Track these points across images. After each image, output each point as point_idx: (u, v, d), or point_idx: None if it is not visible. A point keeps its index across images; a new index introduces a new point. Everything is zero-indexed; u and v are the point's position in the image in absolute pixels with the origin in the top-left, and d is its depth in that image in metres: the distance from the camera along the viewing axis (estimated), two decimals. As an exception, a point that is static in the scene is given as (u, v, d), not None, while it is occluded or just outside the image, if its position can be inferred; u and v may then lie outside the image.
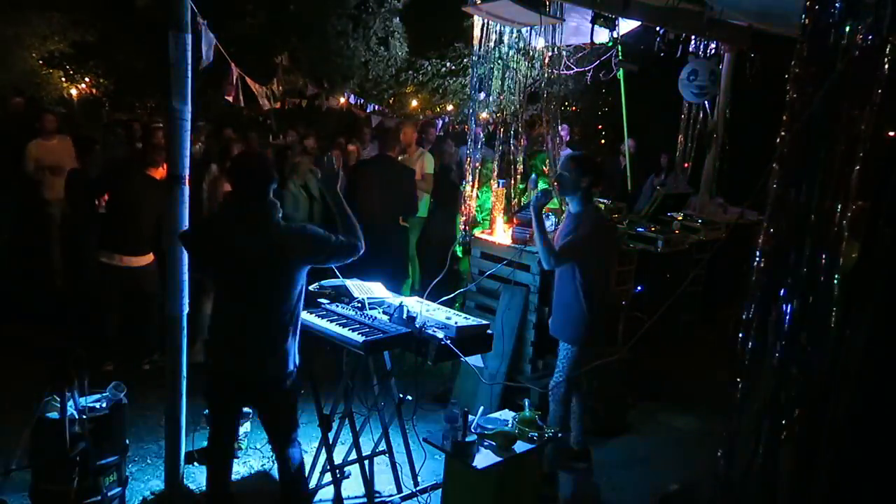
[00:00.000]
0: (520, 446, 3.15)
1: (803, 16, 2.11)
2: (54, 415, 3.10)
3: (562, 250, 3.79)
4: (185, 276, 3.27)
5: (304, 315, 3.24)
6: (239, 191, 3.00)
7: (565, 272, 3.89)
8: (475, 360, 3.55)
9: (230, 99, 4.28)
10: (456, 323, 3.38)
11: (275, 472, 3.90)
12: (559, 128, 6.05)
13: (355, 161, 6.89)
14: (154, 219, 4.98)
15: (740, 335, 2.32)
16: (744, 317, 2.30)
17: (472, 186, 5.68)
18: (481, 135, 5.67)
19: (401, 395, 3.70)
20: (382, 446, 3.73)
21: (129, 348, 5.14)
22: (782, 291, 2.22)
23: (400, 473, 3.71)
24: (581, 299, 3.84)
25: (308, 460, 3.65)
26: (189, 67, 3.12)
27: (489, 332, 3.57)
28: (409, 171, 6.16)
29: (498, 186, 5.35)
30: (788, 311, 2.23)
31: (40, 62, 12.93)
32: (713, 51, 6.65)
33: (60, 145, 6.66)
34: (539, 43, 5.33)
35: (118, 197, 5.08)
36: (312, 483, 3.62)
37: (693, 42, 6.45)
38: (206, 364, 3.20)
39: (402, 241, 6.33)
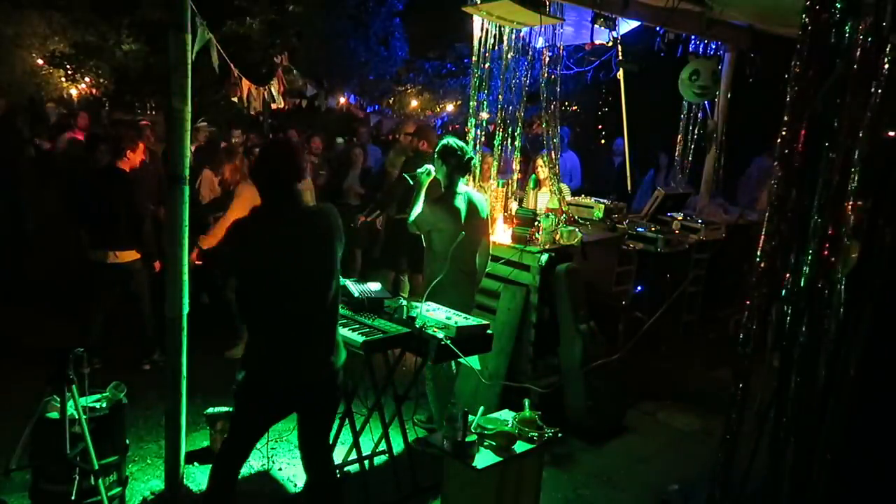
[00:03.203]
0: (520, 446, 3.14)
1: (803, 15, 2.11)
2: (54, 415, 3.10)
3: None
4: (185, 277, 3.25)
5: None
6: (273, 184, 2.78)
7: None
8: (472, 361, 3.56)
9: (236, 99, 4.29)
10: (456, 323, 3.39)
11: (275, 473, 3.90)
12: (559, 130, 6.02)
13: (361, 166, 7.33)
14: (132, 212, 4.90)
15: (740, 336, 2.32)
16: (744, 317, 2.30)
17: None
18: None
19: (401, 396, 3.70)
20: (382, 446, 3.74)
21: (116, 349, 5.04)
22: (783, 292, 2.23)
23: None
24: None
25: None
26: (189, 67, 3.12)
27: (489, 332, 3.57)
28: None
29: (497, 186, 5.34)
30: (789, 311, 2.23)
31: (40, 62, 12.93)
32: (713, 51, 6.65)
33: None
34: (539, 43, 5.32)
35: (90, 194, 4.99)
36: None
37: (693, 42, 6.45)
38: (248, 375, 2.86)
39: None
